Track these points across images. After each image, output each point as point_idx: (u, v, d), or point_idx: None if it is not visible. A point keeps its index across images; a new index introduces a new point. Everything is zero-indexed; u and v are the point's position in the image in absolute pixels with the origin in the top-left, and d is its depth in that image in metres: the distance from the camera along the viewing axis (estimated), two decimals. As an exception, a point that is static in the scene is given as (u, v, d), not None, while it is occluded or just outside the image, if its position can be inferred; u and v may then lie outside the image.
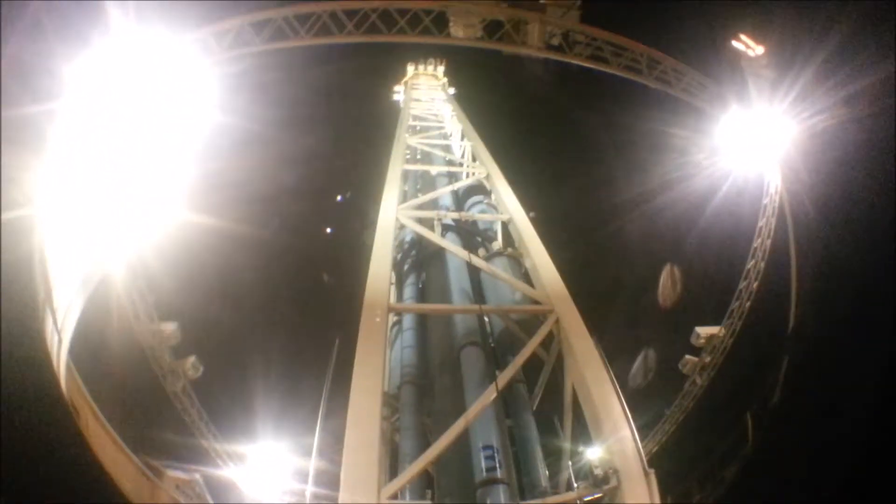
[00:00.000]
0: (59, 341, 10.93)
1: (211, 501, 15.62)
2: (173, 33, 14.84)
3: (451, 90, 26.58)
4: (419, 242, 12.98)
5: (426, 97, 24.31)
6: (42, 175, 10.43)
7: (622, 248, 27.79)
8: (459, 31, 19.86)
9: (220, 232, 19.79)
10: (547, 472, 8.13)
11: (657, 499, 5.54)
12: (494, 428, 7.34)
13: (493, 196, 13.14)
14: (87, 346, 12.40)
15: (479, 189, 13.92)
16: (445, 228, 11.96)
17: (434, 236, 10.88)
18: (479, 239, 12.66)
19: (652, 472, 5.67)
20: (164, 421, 17.31)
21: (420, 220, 11.28)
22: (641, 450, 5.95)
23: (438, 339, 10.04)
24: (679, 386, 20.56)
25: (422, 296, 12.37)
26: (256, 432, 18.42)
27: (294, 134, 26.20)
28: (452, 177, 15.14)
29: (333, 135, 31.03)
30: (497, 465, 6.86)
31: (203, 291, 20.93)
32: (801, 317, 17.88)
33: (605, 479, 5.83)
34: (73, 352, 11.50)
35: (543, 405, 9.24)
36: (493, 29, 20.13)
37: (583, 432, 6.92)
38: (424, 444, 8.23)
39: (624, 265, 28.62)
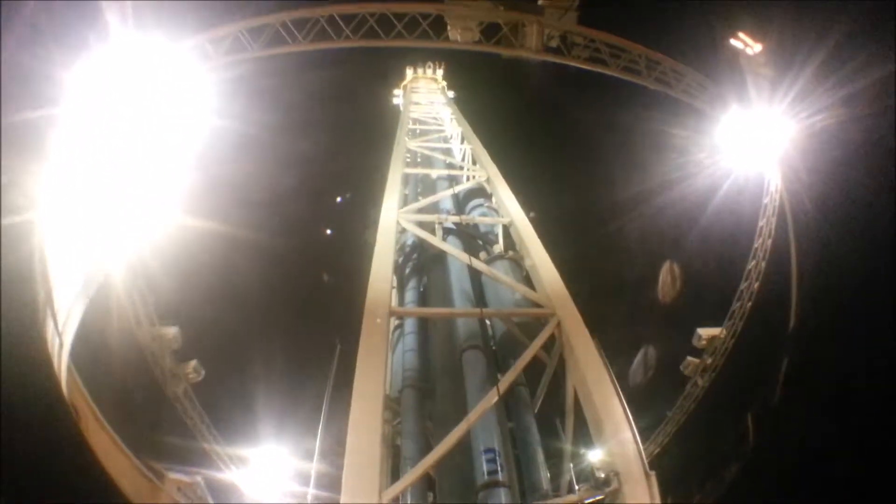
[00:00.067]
0: (60, 344, 10.94)
1: (212, 503, 15.62)
2: (171, 39, 14.88)
3: (451, 93, 26.57)
4: (420, 246, 13.00)
5: (426, 100, 24.27)
6: (43, 179, 10.46)
7: (623, 249, 27.84)
8: (457, 35, 19.85)
9: (220, 235, 19.84)
10: (548, 475, 8.14)
11: (658, 500, 5.55)
12: (496, 431, 7.36)
13: (493, 199, 13.15)
14: (88, 348, 12.40)
15: (479, 192, 13.92)
16: (446, 232, 11.96)
17: (435, 240, 10.89)
18: (480, 242, 12.66)
19: (653, 474, 5.68)
20: (165, 423, 17.32)
21: (421, 224, 11.28)
22: (643, 452, 5.96)
23: (440, 342, 10.08)
24: (680, 388, 20.55)
25: (423, 299, 12.39)
26: (258, 435, 18.43)
27: (293, 138, 26.26)
28: (453, 180, 15.12)
29: (333, 138, 31.05)
30: (498, 468, 6.89)
31: (204, 294, 20.95)
32: (801, 317, 17.88)
33: (606, 482, 5.84)
34: (74, 354, 11.50)
35: (545, 408, 9.25)
36: (491, 32, 20.12)
37: (584, 435, 6.93)
38: (426, 448, 8.26)
39: (624, 266, 28.66)
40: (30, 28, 9.49)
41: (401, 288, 13.07)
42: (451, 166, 16.32)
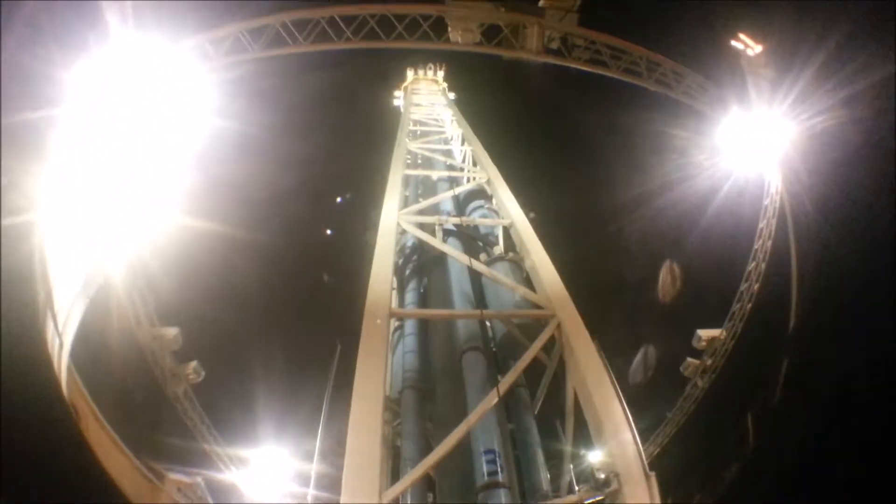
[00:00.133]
0: (60, 344, 10.95)
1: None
2: (171, 40, 14.89)
3: (452, 95, 26.57)
4: (420, 247, 12.99)
5: (426, 102, 24.29)
6: (43, 180, 10.47)
7: (623, 250, 27.84)
8: (458, 37, 19.85)
9: (220, 236, 19.83)
10: (548, 476, 8.15)
11: (658, 501, 5.55)
12: (496, 432, 7.37)
13: (494, 201, 13.15)
14: (88, 348, 12.40)
15: (480, 193, 13.94)
16: (447, 233, 11.95)
17: (435, 241, 10.89)
18: (481, 244, 12.66)
19: (653, 474, 5.69)
20: (165, 424, 17.32)
21: (421, 226, 11.30)
22: (642, 453, 5.97)
23: (440, 344, 10.08)
24: (680, 389, 20.54)
25: (423, 301, 12.39)
26: (258, 436, 18.43)
27: (294, 138, 26.25)
28: (453, 181, 15.12)
29: (333, 139, 31.09)
30: (498, 469, 6.90)
31: (204, 295, 20.95)
32: (801, 318, 17.88)
33: (606, 483, 5.86)
34: (74, 354, 11.50)
35: (545, 409, 9.26)
36: (491, 33, 20.12)
37: (584, 436, 6.94)
38: (426, 449, 8.26)
39: (625, 267, 28.66)
40: (30, 28, 9.50)
41: (401, 289, 13.07)
42: (451, 168, 16.33)
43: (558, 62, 20.45)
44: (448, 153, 17.60)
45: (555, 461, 8.49)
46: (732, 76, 18.40)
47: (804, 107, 16.05)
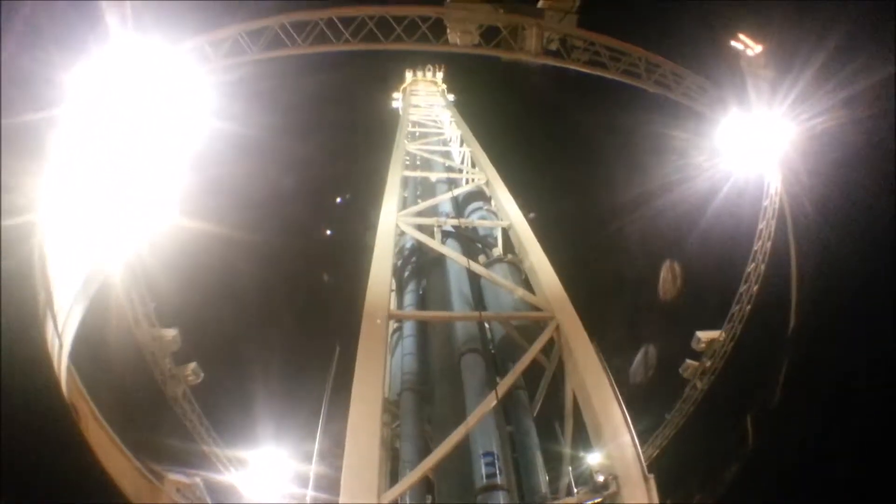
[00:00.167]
0: (60, 344, 10.96)
1: (211, 504, 15.63)
2: (170, 41, 14.89)
3: (451, 96, 26.57)
4: (419, 249, 12.99)
5: (425, 103, 24.29)
6: (43, 181, 10.47)
7: (622, 251, 27.85)
8: (457, 38, 19.83)
9: (219, 236, 19.83)
10: (547, 478, 8.15)
11: (656, 503, 5.56)
12: (495, 434, 7.36)
13: (492, 202, 13.15)
14: (89, 349, 12.41)
15: (478, 195, 13.91)
16: (445, 235, 11.95)
17: (434, 243, 10.90)
18: (479, 245, 12.64)
19: (651, 477, 5.69)
20: (164, 425, 17.33)
21: (420, 227, 11.29)
22: (641, 455, 5.97)
23: (439, 346, 10.07)
24: (680, 390, 20.54)
25: (422, 303, 12.39)
26: (257, 437, 18.43)
27: (293, 140, 26.28)
28: (452, 183, 15.11)
29: (332, 141, 31.09)
30: (497, 472, 6.89)
31: (204, 296, 20.96)
32: (801, 318, 17.88)
33: (605, 485, 5.86)
34: (74, 355, 11.51)
35: (544, 411, 9.26)
36: (490, 35, 20.10)
37: (583, 438, 6.94)
38: (425, 451, 8.26)
39: (624, 268, 28.68)
40: (30, 29, 9.50)
41: (400, 291, 13.07)
42: (450, 169, 16.31)
43: (557, 63, 20.43)
44: (447, 154, 17.59)
45: (554, 463, 8.50)
46: (732, 77, 18.41)
47: (804, 107, 16.05)
